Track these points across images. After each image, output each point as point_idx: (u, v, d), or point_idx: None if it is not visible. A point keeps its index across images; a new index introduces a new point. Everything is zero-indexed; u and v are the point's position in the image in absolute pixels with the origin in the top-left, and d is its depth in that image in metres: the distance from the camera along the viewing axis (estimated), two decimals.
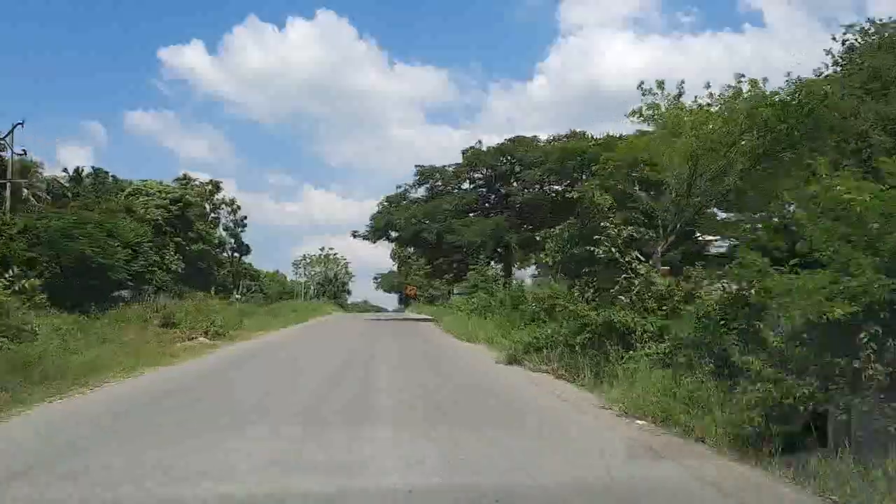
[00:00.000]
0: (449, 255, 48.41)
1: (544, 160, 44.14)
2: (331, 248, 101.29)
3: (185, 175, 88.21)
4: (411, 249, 59.42)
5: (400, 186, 47.42)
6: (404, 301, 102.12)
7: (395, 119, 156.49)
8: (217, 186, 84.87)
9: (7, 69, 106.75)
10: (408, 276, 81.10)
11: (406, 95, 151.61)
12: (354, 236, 46.15)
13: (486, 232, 42.95)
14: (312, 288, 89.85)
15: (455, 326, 32.59)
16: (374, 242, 44.55)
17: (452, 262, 48.83)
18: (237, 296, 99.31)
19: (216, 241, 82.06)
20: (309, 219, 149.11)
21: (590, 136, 43.20)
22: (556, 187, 44.73)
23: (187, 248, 72.45)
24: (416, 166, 48.77)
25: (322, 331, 37.71)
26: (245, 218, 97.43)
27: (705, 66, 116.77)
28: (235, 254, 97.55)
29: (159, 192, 71.26)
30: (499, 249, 45.70)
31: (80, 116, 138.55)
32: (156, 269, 45.06)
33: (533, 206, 45.17)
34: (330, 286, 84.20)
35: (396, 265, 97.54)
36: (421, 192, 47.34)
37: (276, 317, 44.15)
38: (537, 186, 46.87)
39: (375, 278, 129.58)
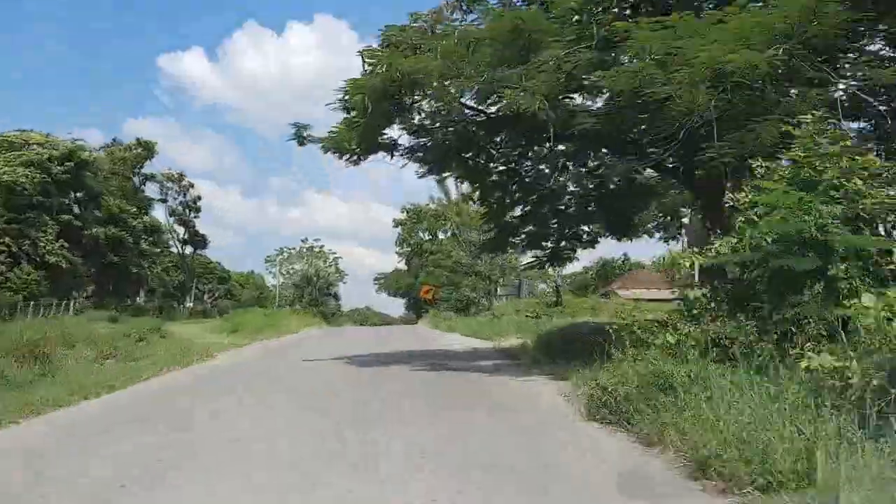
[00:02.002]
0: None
1: None
2: (316, 240, 76.47)
3: (114, 140, 64.02)
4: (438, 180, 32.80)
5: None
6: (415, 307, 77.28)
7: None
8: (149, 148, 59.79)
9: (4, 76, 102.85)
10: (422, 271, 56.15)
11: None
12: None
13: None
14: (288, 291, 65.40)
15: None
16: (362, 156, 16.12)
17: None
18: (190, 304, 75.54)
19: (146, 227, 57.18)
20: (312, 224, 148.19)
21: None
22: None
23: (84, 231, 47.38)
24: None
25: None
26: (199, 199, 73.09)
27: None
28: (188, 248, 72.94)
29: (39, 144, 46.15)
30: None
31: (78, 124, 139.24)
32: None
33: None
34: (310, 288, 59.12)
35: (404, 260, 72.55)
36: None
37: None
38: None
39: (377, 279, 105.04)
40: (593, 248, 18.56)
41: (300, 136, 14.96)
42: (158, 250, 59.24)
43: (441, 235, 59.52)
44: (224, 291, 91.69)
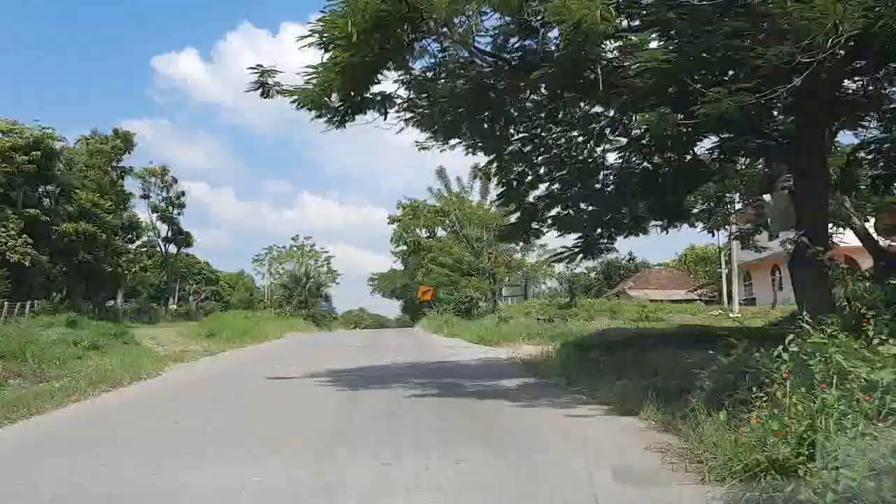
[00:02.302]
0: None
1: None
2: (307, 238, 72.74)
3: (93, 132, 60.09)
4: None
5: None
6: (412, 309, 73.79)
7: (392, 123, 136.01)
8: (127, 140, 56.00)
9: None
10: (419, 270, 52.39)
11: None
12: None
13: None
14: (277, 292, 61.61)
15: None
16: (348, 115, 12.48)
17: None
18: (173, 306, 71.67)
19: (123, 224, 53.40)
20: (307, 226, 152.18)
21: None
22: None
23: (53, 226, 43.63)
24: None
25: None
26: (183, 195, 69.32)
27: None
28: (171, 246, 69.12)
29: (2, 132, 42.40)
30: None
31: (73, 126, 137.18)
32: None
33: None
34: (299, 289, 55.26)
35: (399, 259, 68.97)
36: None
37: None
38: None
39: (372, 279, 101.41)
40: (638, 235, 14.92)
41: (264, 84, 11.25)
42: (133, 247, 55.26)
43: (441, 232, 56.00)
44: (212, 293, 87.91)
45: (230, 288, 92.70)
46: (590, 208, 14.21)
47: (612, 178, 14.10)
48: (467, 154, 13.53)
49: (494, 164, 13.82)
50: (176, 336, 31.50)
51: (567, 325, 27.47)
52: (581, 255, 14.44)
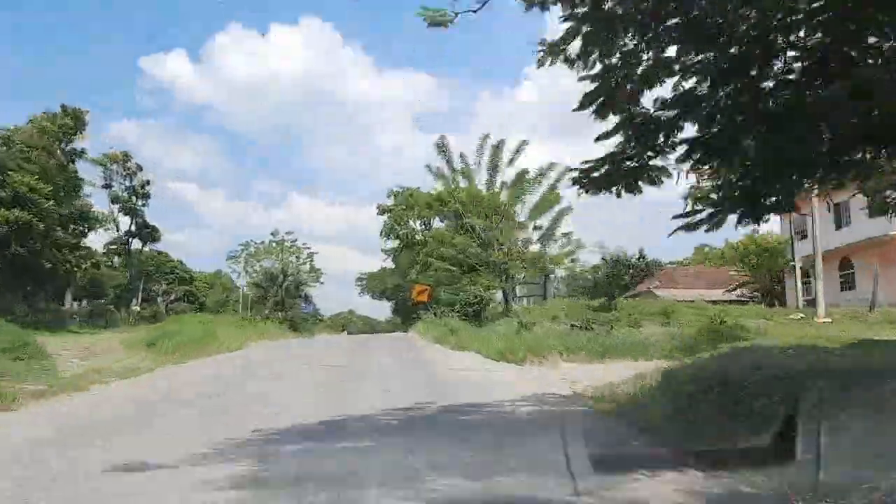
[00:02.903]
0: None
1: None
2: (288, 233, 65.54)
3: (45, 112, 52.73)
4: None
5: None
6: (404, 311, 67.04)
7: (382, 125, 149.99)
8: (77, 118, 48.69)
9: None
10: (413, 268, 45.28)
11: (394, 101, 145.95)
12: None
13: None
14: (251, 292, 54.44)
15: None
16: None
17: None
18: (135, 307, 64.36)
19: (70, 214, 46.03)
20: (296, 227, 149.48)
21: None
22: None
23: None
24: None
25: None
26: (148, 184, 62.09)
27: None
28: (134, 240, 61.81)
29: None
30: None
31: None
32: None
33: None
34: (275, 289, 47.98)
35: (390, 257, 62.17)
36: None
37: None
38: None
39: (360, 279, 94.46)
40: (830, 184, 8.05)
41: None
42: (86, 241, 48.02)
43: (438, 224, 49.31)
44: (185, 294, 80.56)
45: (208, 288, 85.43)
46: (757, 128, 7.29)
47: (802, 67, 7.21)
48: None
49: (585, 27, 6.86)
50: (119, 344, 25.10)
51: (613, 334, 20.64)
52: (743, 215, 7.54)
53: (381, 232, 54.06)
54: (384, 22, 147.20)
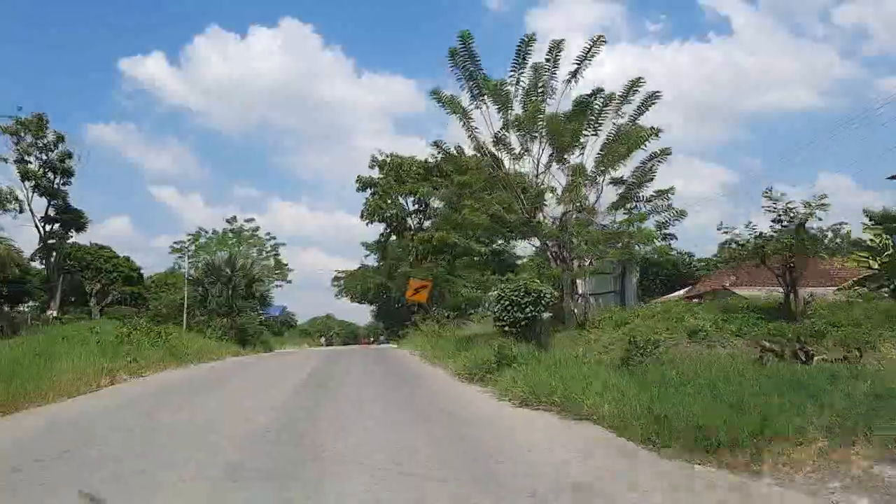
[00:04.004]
0: None
1: None
2: (248, 220, 53.00)
3: None
4: None
5: None
6: (389, 315, 55.12)
7: (362, 129, 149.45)
8: None
9: None
10: (406, 259, 32.98)
11: (374, 104, 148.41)
12: None
13: None
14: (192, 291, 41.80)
15: None
16: None
17: None
18: (52, 312, 51.41)
19: None
20: (276, 232, 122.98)
21: None
22: None
23: None
24: None
25: None
26: (70, 157, 49.47)
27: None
28: (51, 226, 49.14)
29: None
30: None
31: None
32: None
33: None
34: (219, 286, 35.11)
35: (375, 253, 50.01)
36: None
37: None
38: None
39: (337, 279, 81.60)
40: None
41: None
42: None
43: (437, 204, 37.23)
44: (129, 295, 67.60)
45: (159, 290, 72.59)
46: None
47: None
48: None
49: None
50: None
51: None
52: None
53: (363, 213, 41.66)
54: (367, 24, 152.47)
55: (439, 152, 21.62)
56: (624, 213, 19.05)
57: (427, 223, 40.82)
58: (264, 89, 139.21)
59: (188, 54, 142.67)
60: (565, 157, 19.11)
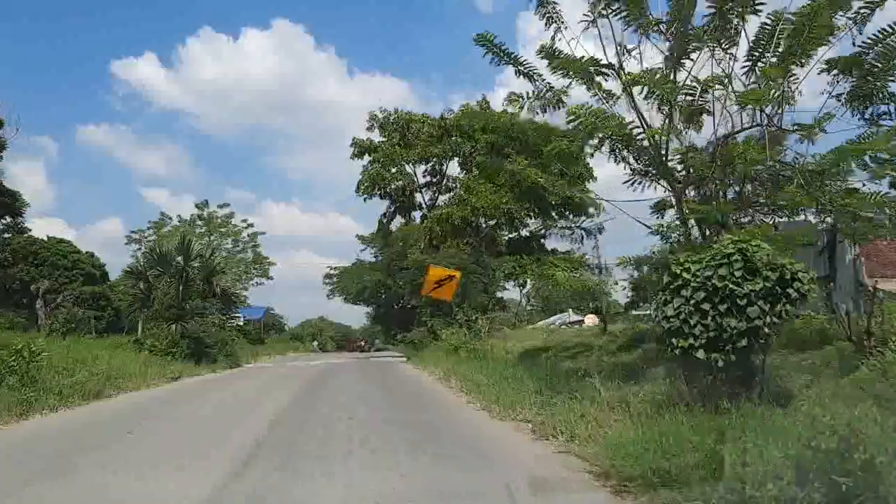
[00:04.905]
0: None
1: None
2: (222, 206, 43.89)
3: None
4: None
5: None
6: (389, 319, 46.75)
7: (355, 129, 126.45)
8: None
9: None
10: (420, 241, 23.89)
11: (367, 106, 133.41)
12: None
13: None
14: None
15: None
16: None
17: None
18: None
19: None
20: (270, 233, 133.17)
21: None
22: None
23: None
24: None
25: None
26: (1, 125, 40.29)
27: None
28: None
29: None
30: None
31: (28, 130, 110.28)
32: None
33: None
34: (166, 280, 26.00)
35: (378, 232, 41.09)
36: None
37: None
38: None
39: (328, 277, 72.17)
40: None
41: None
42: None
43: (457, 172, 28.30)
44: (91, 296, 58.25)
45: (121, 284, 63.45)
46: None
47: None
48: None
49: None
50: None
51: None
52: None
53: (359, 185, 32.26)
54: (359, 25, 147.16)
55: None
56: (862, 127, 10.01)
57: (443, 198, 31.79)
58: (258, 90, 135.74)
59: (181, 56, 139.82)
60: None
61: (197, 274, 27.19)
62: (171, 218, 43.52)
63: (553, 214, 31.38)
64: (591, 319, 46.23)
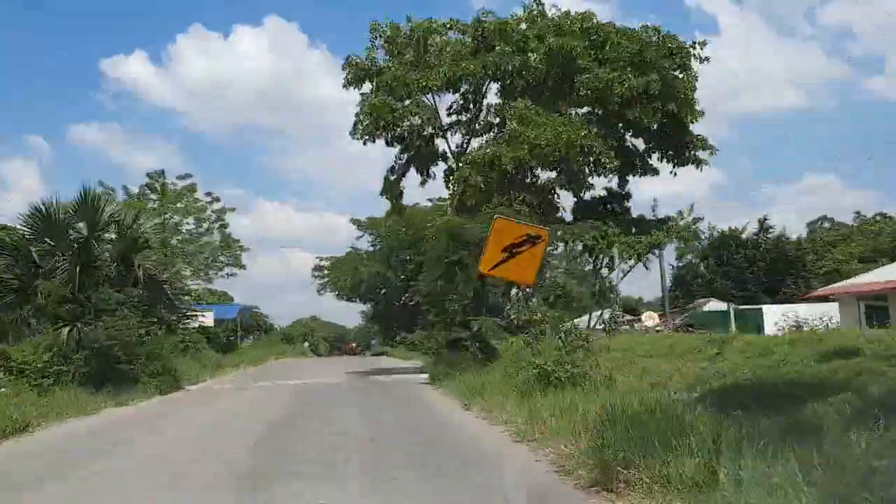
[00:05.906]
0: None
1: None
2: (182, 177, 34.58)
3: None
4: None
5: None
6: (389, 317, 37.61)
7: (349, 128, 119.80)
8: None
9: None
10: (459, 191, 14.97)
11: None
12: None
13: None
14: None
15: None
16: None
17: None
18: None
19: None
20: (264, 232, 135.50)
21: None
22: None
23: None
24: None
25: None
26: None
27: None
28: None
29: None
30: None
31: (20, 130, 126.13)
32: None
33: None
34: (60, 258, 17.13)
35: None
36: None
37: None
38: None
39: (318, 269, 62.64)
40: None
41: None
42: None
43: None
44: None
45: None
46: None
47: None
48: None
49: None
50: None
51: None
52: None
53: (356, 125, 22.51)
54: (352, 22, 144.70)
55: None
56: None
57: (476, 142, 22.19)
58: (250, 88, 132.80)
59: (171, 54, 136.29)
60: None
61: (106, 248, 17.75)
62: (113, 190, 34.04)
63: (649, 158, 22.28)
64: (650, 318, 37.12)
